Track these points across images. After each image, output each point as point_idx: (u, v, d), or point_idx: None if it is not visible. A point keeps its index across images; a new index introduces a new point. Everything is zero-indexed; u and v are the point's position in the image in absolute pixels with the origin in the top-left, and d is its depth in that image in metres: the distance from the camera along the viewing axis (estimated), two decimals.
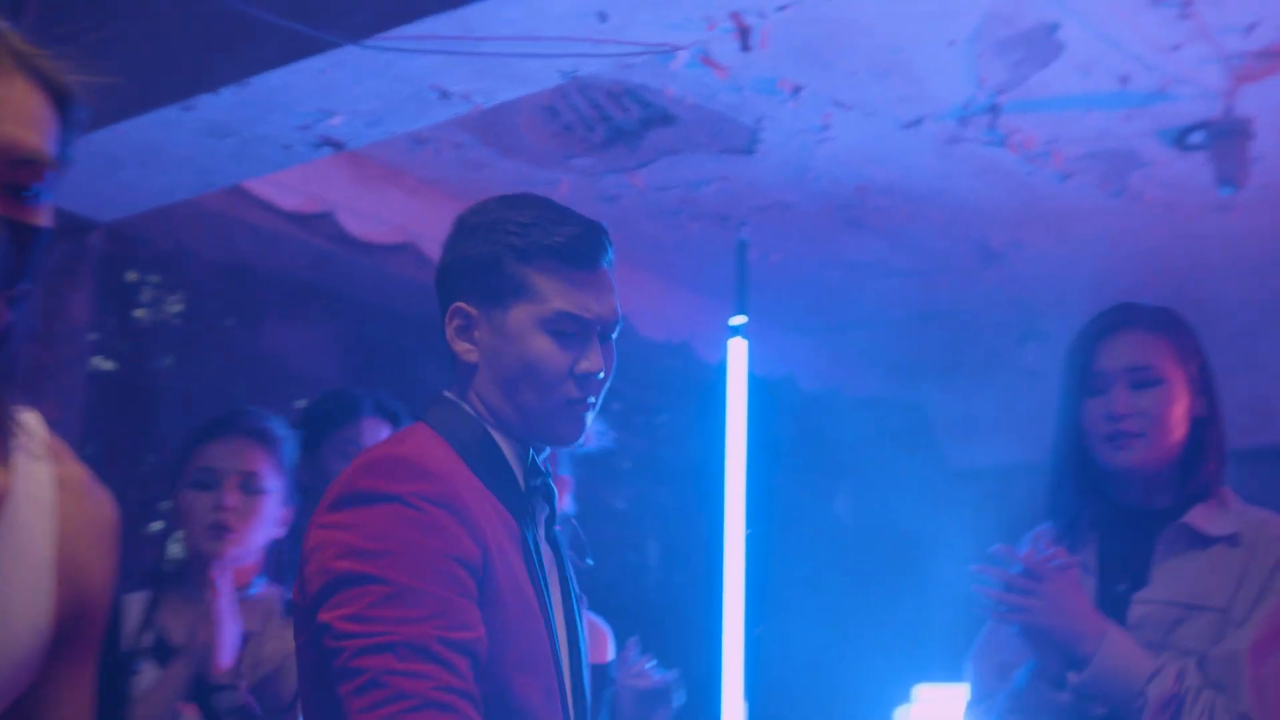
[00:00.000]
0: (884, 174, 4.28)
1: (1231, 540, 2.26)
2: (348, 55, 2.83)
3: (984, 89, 3.69)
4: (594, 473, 5.23)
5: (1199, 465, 2.30)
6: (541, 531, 1.77)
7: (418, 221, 4.38)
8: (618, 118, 3.89)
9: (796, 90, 3.70)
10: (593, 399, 1.77)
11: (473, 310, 1.77)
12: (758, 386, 3.62)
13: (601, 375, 1.76)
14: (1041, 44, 3.45)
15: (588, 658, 1.80)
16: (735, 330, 3.44)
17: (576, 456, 3.12)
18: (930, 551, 6.06)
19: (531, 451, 1.77)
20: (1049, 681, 2.18)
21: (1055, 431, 2.39)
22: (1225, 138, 3.68)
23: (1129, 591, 2.26)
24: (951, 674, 2.36)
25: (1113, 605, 2.24)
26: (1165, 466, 2.29)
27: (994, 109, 3.81)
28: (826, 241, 4.86)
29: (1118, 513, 2.31)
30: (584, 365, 1.74)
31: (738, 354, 3.45)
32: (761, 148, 4.10)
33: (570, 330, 1.74)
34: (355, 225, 4.23)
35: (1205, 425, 2.33)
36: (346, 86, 2.99)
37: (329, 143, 3.30)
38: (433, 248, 4.42)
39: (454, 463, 1.70)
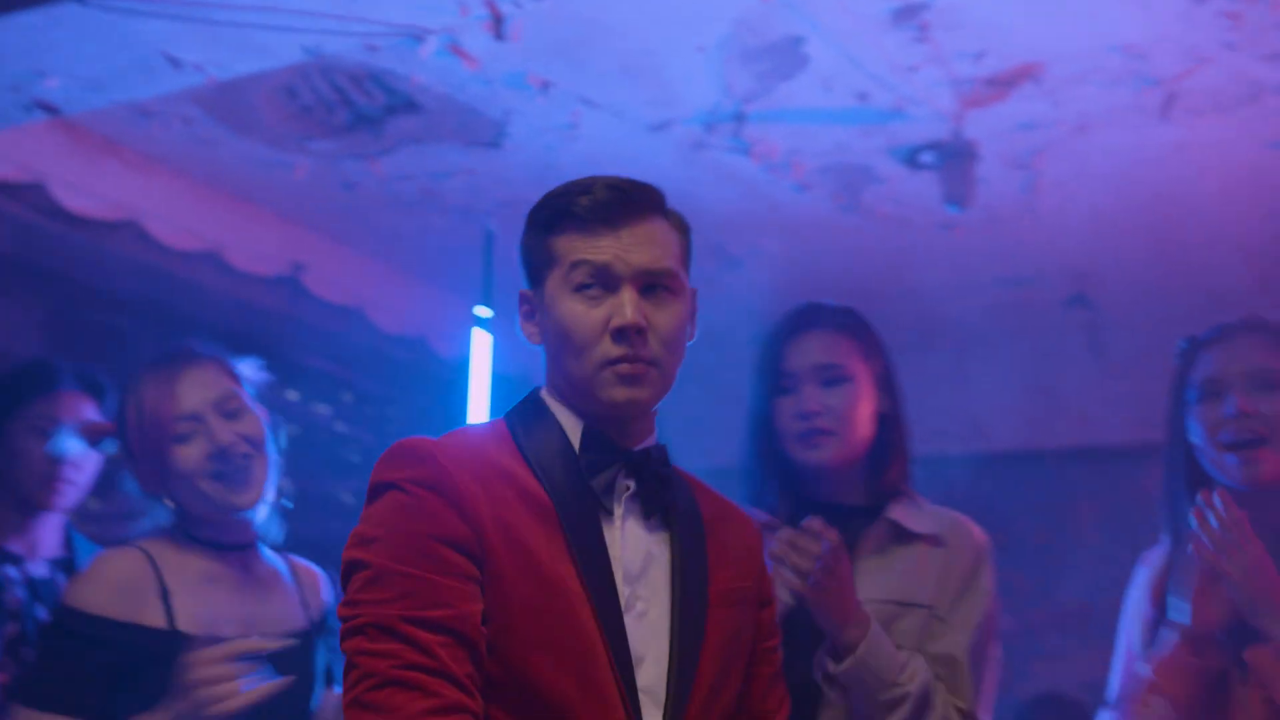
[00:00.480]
0: (629, 175, 4.28)
1: (934, 540, 2.34)
2: (67, 12, 2.62)
3: (730, 97, 3.74)
4: (322, 465, 5.07)
5: (887, 462, 2.38)
6: (620, 509, 1.70)
7: (140, 198, 4.13)
8: (360, 102, 3.76)
9: (546, 86, 3.66)
10: (638, 357, 1.67)
11: (530, 294, 1.79)
12: (498, 383, 3.57)
13: (638, 327, 1.66)
14: (787, 57, 3.51)
15: (706, 640, 1.70)
16: (480, 322, 3.37)
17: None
18: None
19: (596, 430, 1.71)
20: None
21: (748, 430, 2.43)
22: (953, 159, 3.85)
23: None
24: None
25: None
26: (855, 463, 2.35)
27: (739, 117, 3.86)
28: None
29: (814, 509, 2.34)
30: (615, 320, 1.67)
31: (481, 346, 3.37)
32: (508, 142, 4.04)
33: (596, 286, 1.69)
34: (69, 198, 3.95)
35: (891, 423, 2.40)
36: (65, 46, 2.77)
37: (42, 106, 3.06)
38: (157, 226, 4.17)
39: (486, 447, 1.69)
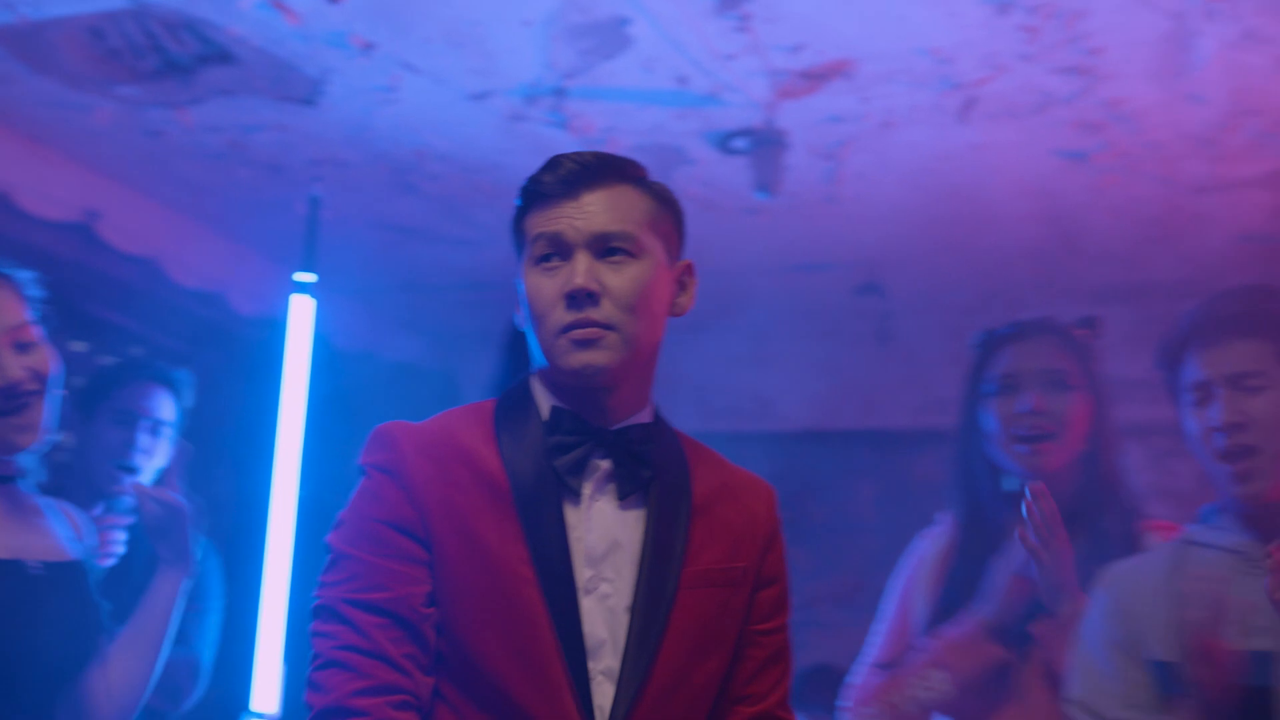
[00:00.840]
0: (445, 143, 4.27)
1: None
2: None
3: (553, 71, 3.77)
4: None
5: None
6: (580, 481, 1.68)
7: None
8: (172, 50, 3.64)
9: (368, 48, 3.62)
10: (590, 320, 1.66)
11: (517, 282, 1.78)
12: (321, 349, 3.53)
13: (587, 291, 1.65)
14: (611, 36, 3.56)
15: (671, 619, 1.67)
16: (301, 287, 3.32)
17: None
18: None
19: (564, 417, 1.70)
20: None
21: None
22: (764, 146, 3.96)
23: None
24: None
25: None
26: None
27: (559, 92, 3.89)
28: (377, 203, 4.79)
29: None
30: (569, 285, 1.66)
31: (302, 311, 3.32)
32: (324, 101, 3.97)
33: (555, 256, 1.69)
34: None
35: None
36: None
37: None
38: None
39: (460, 430, 1.69)
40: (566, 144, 4.25)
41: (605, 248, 1.69)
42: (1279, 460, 2.00)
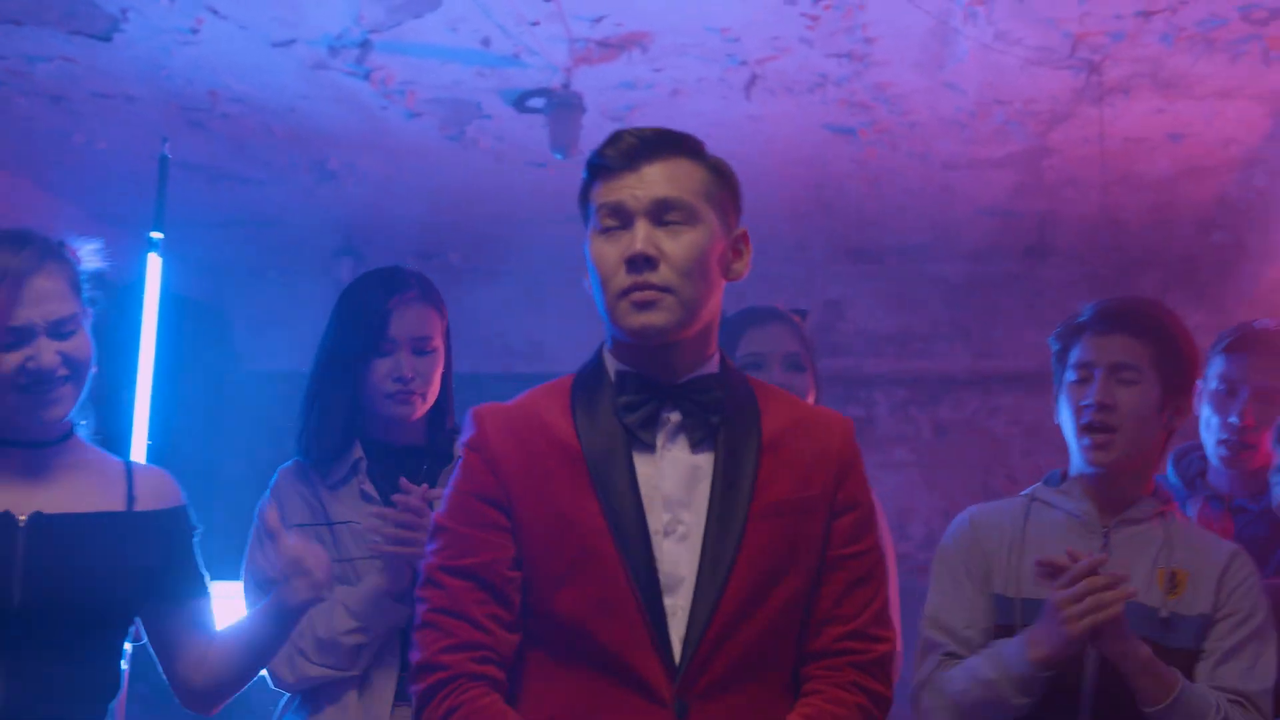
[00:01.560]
0: (243, 86, 4.29)
1: None
2: None
3: (359, 25, 3.85)
4: None
5: (445, 407, 2.57)
6: (654, 435, 1.77)
7: None
8: None
9: None
10: (648, 284, 1.73)
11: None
12: (171, 305, 3.55)
13: (645, 256, 1.73)
14: None
15: (733, 560, 1.74)
16: (153, 245, 3.32)
17: None
18: (220, 450, 6.15)
19: (630, 380, 1.79)
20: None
21: (328, 381, 2.47)
22: (561, 109, 4.14)
23: None
24: (232, 572, 2.41)
25: None
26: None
27: (364, 45, 3.97)
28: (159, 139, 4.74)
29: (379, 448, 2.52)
30: (629, 250, 1.74)
31: (154, 270, 3.33)
32: (120, 38, 3.94)
33: (613, 224, 1.77)
34: None
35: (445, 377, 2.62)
36: None
37: None
38: None
39: (540, 405, 1.81)
40: (367, 94, 4.34)
41: (663, 216, 1.76)
42: (1130, 444, 2.25)
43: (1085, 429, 2.26)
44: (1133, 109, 4.32)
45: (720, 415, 1.80)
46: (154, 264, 3.30)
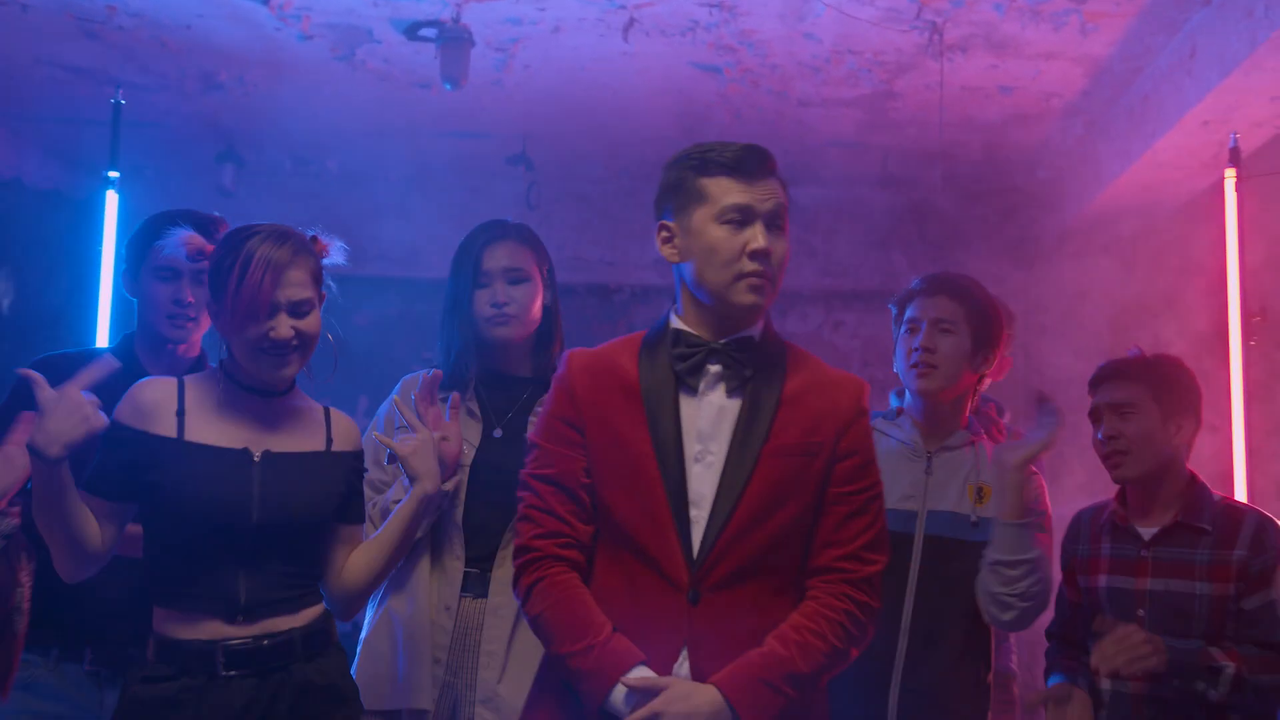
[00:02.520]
0: (139, 2, 4.46)
1: None
2: None
3: None
4: None
5: (550, 344, 2.99)
6: (697, 383, 2.24)
7: None
8: None
9: None
10: (764, 273, 2.20)
11: (671, 224, 2.26)
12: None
13: (767, 251, 2.20)
14: None
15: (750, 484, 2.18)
16: (110, 183, 3.60)
17: None
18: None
19: (688, 339, 2.25)
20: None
21: (449, 316, 2.92)
22: (453, 42, 4.43)
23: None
24: None
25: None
26: (525, 341, 2.95)
27: None
28: (53, 44, 4.88)
29: (494, 375, 2.93)
30: (753, 245, 2.20)
31: (111, 204, 3.62)
32: None
33: (738, 221, 2.21)
34: None
35: (551, 313, 3.00)
36: None
37: None
38: None
39: (616, 351, 2.31)
40: (263, 16, 4.55)
41: (773, 223, 2.25)
42: (946, 379, 2.82)
43: (913, 366, 2.80)
44: (969, 64, 4.80)
45: (752, 369, 2.25)
46: (111, 199, 3.57)
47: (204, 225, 2.67)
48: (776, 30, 4.59)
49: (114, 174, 3.72)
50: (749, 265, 2.20)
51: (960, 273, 2.97)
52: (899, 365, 2.89)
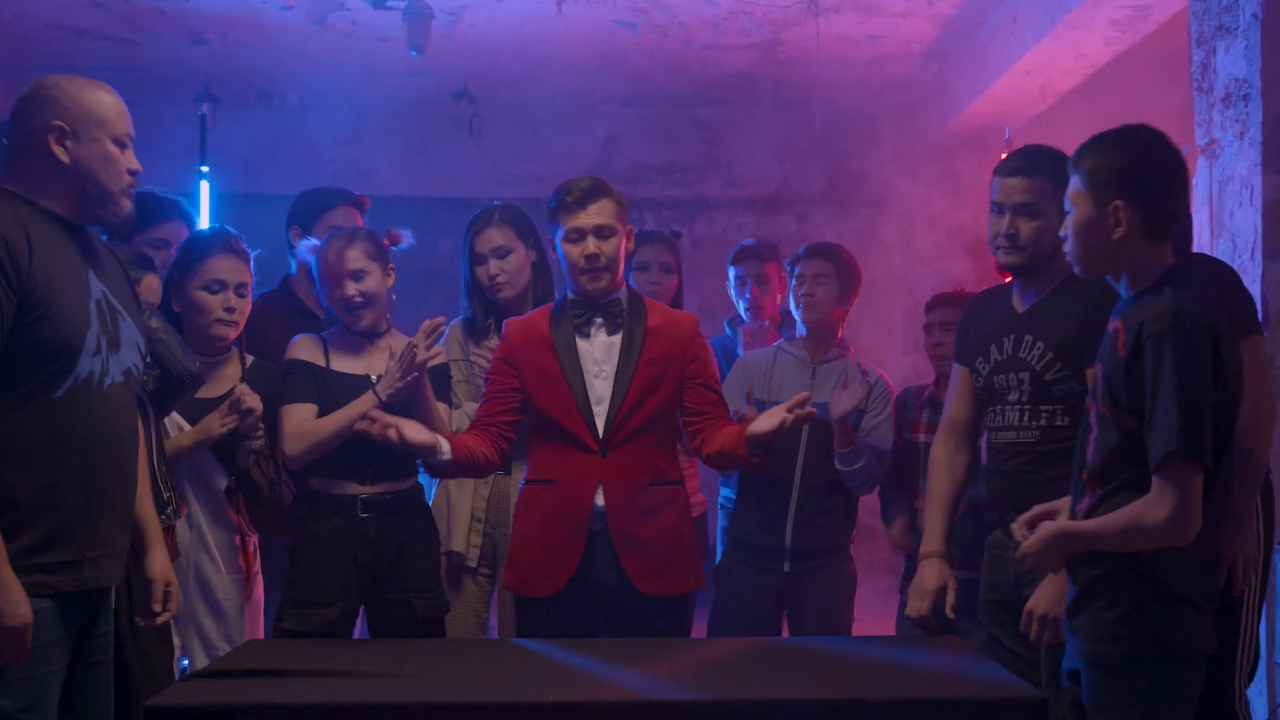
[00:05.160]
0: None
1: None
2: None
3: None
4: None
5: (542, 289, 3.91)
6: (588, 331, 3.29)
7: None
8: None
9: None
10: (598, 266, 3.24)
11: (551, 240, 3.35)
12: None
13: (598, 254, 3.23)
14: None
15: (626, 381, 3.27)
16: (202, 175, 4.49)
17: None
18: None
19: (579, 304, 3.30)
20: None
21: (466, 287, 3.85)
22: (417, 16, 5.34)
23: None
24: None
25: None
26: (522, 293, 3.87)
27: None
28: (62, 13, 5.70)
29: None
30: (586, 252, 3.26)
31: (204, 191, 4.50)
32: None
33: (574, 238, 3.26)
34: None
35: (539, 267, 3.93)
36: None
37: None
38: None
39: (538, 315, 3.38)
40: None
41: (600, 233, 3.26)
42: (822, 315, 3.83)
43: (799, 306, 3.89)
44: (841, 21, 5.82)
45: (622, 317, 3.31)
46: (204, 187, 4.51)
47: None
48: None
49: (205, 168, 4.63)
50: (584, 265, 3.28)
51: (829, 242, 4.03)
52: (791, 304, 3.96)
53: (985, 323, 3.20)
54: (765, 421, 3.16)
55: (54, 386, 2.40)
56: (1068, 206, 2.57)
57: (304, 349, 3.43)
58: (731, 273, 4.39)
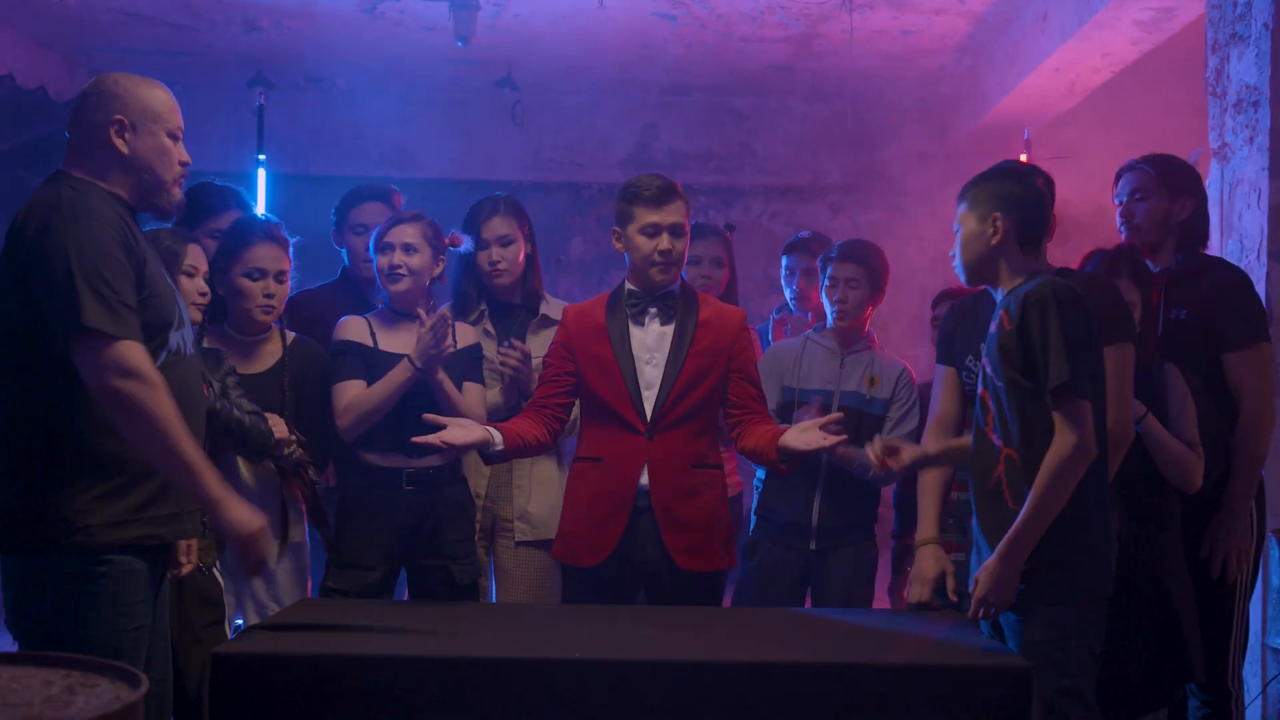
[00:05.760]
0: None
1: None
2: None
3: None
4: None
5: (532, 279, 4.07)
6: (642, 321, 3.48)
7: None
8: None
9: None
10: (669, 259, 3.41)
11: (619, 230, 3.49)
12: None
13: (670, 250, 3.40)
14: None
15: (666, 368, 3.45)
16: (260, 164, 4.71)
17: None
18: None
19: (636, 295, 3.48)
20: None
21: (462, 268, 3.99)
22: (464, 8, 5.54)
23: None
24: None
25: None
26: (516, 281, 4.06)
27: None
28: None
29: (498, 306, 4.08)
30: (661, 247, 3.42)
31: (261, 179, 4.74)
32: None
33: (650, 232, 3.42)
34: None
35: (530, 259, 4.09)
36: None
37: None
38: None
39: (595, 304, 3.56)
40: None
41: (675, 231, 3.43)
42: (854, 315, 3.92)
43: (833, 308, 4.01)
44: (876, 16, 5.98)
45: (675, 309, 3.48)
46: (260, 175, 4.73)
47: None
48: None
49: (262, 156, 4.86)
50: (659, 258, 3.44)
51: (866, 241, 4.12)
52: (825, 303, 4.11)
53: (974, 324, 3.34)
54: (799, 439, 3.33)
55: (156, 358, 2.62)
56: (956, 229, 3.00)
57: (352, 330, 3.63)
58: (784, 262, 4.58)
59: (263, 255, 3.55)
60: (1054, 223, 3.16)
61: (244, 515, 2.59)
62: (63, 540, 2.52)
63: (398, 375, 3.52)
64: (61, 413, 2.56)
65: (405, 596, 3.81)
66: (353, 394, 3.57)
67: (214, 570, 3.31)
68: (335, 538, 3.61)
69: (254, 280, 3.54)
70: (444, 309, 3.54)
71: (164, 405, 2.53)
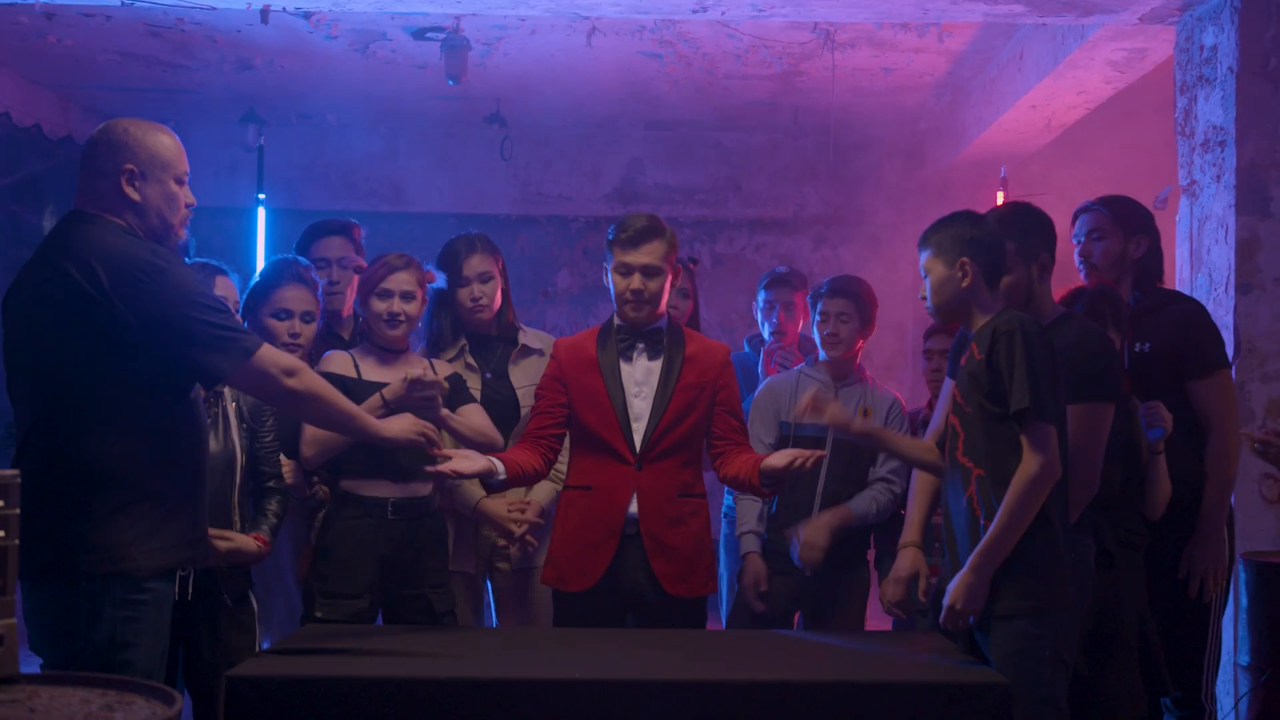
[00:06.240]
0: (204, 15, 5.65)
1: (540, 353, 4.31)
2: None
3: None
4: None
5: (506, 313, 4.22)
6: (631, 355, 3.58)
7: None
8: None
9: None
10: (640, 299, 3.50)
11: (605, 266, 3.61)
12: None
13: (641, 290, 3.50)
14: None
15: (658, 401, 3.55)
16: (260, 203, 4.81)
17: None
18: None
19: (624, 330, 3.58)
20: None
21: (440, 304, 4.14)
22: (454, 47, 5.67)
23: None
24: None
25: None
26: (494, 316, 4.21)
27: None
28: (122, 41, 6.05)
29: (478, 340, 4.18)
30: (632, 287, 3.53)
31: (261, 217, 4.85)
32: None
33: (623, 271, 3.54)
34: None
35: (505, 294, 4.25)
36: None
37: None
38: None
39: (585, 338, 3.66)
40: (302, 26, 5.76)
41: (646, 271, 3.51)
42: (846, 348, 4.08)
43: (825, 342, 4.14)
44: (857, 55, 6.13)
45: (663, 344, 3.59)
46: (260, 213, 4.85)
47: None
48: (707, 32, 5.89)
49: (261, 195, 4.98)
50: (629, 297, 3.55)
51: (855, 277, 4.26)
52: (816, 336, 4.23)
53: None
54: (778, 459, 3.43)
55: (185, 393, 2.85)
56: (924, 274, 3.16)
57: (336, 363, 3.74)
58: (761, 296, 4.70)
59: (290, 296, 3.72)
60: (1053, 260, 3.32)
61: (404, 425, 3.22)
62: (110, 568, 2.70)
63: (368, 407, 3.57)
64: (114, 453, 2.73)
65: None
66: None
67: (249, 595, 3.45)
68: (319, 567, 3.70)
69: (280, 320, 3.71)
70: (442, 381, 3.70)
71: (320, 380, 3.02)
